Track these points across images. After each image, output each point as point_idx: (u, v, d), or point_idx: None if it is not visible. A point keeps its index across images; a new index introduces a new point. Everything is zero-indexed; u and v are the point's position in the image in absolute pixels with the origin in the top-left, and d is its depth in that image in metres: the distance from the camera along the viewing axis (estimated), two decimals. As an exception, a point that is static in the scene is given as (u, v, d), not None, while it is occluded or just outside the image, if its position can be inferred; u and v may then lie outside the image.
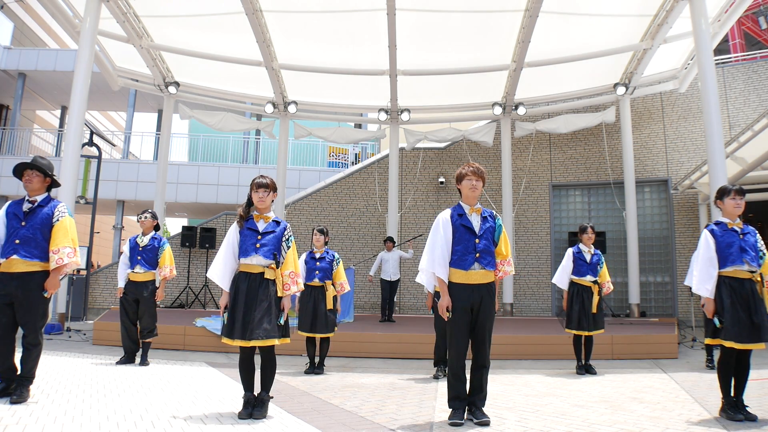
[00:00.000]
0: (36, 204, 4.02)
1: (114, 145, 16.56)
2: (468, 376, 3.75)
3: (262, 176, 3.92)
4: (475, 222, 3.82)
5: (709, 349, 6.30)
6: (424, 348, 7.07)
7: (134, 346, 6.04)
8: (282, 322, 3.77)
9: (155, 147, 18.48)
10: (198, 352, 7.21)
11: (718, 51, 13.64)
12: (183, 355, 6.85)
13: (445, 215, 3.88)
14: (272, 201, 3.96)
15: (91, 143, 11.17)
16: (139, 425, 3.38)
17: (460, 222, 3.82)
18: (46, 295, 3.89)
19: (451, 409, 3.69)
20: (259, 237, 3.82)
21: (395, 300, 11.12)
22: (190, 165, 17.58)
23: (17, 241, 3.86)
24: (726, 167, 7.96)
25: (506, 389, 4.95)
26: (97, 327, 7.93)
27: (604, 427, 3.60)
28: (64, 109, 21.00)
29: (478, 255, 3.75)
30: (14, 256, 3.85)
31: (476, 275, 3.75)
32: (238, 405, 4.09)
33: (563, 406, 4.27)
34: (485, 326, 3.71)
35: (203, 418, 3.62)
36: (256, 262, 3.79)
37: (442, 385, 5.16)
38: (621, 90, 11.15)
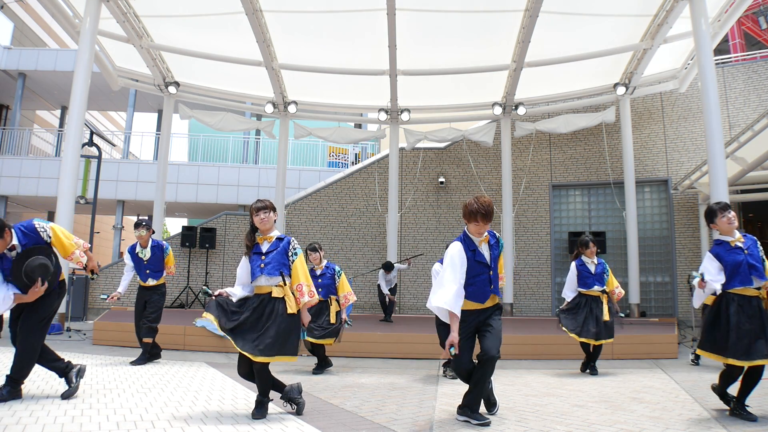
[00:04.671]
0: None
1: (114, 145, 16.58)
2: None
3: (259, 200, 3.97)
4: (486, 254, 3.82)
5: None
6: (424, 348, 7.08)
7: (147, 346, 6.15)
8: (304, 337, 3.82)
9: (155, 147, 18.47)
10: (198, 352, 7.21)
11: (718, 51, 13.64)
12: (183, 355, 6.85)
13: (458, 249, 3.73)
14: (274, 221, 3.98)
15: (91, 143, 11.19)
16: (139, 425, 3.38)
17: (474, 258, 3.77)
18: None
19: None
20: (263, 257, 3.86)
21: (395, 300, 11.14)
22: (190, 165, 17.57)
23: None
24: (726, 167, 7.95)
25: (506, 389, 4.95)
26: (97, 327, 7.94)
27: (604, 427, 3.60)
28: (64, 109, 21.00)
29: (492, 287, 3.80)
30: None
31: (488, 302, 3.81)
32: (238, 405, 4.10)
33: (563, 406, 4.27)
34: (493, 327, 3.72)
35: (203, 418, 3.62)
36: (263, 282, 3.83)
37: (442, 385, 5.17)
38: (621, 90, 11.14)
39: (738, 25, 17.69)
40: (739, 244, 3.98)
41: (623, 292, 6.22)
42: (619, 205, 11.97)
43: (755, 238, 4.08)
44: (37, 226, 3.98)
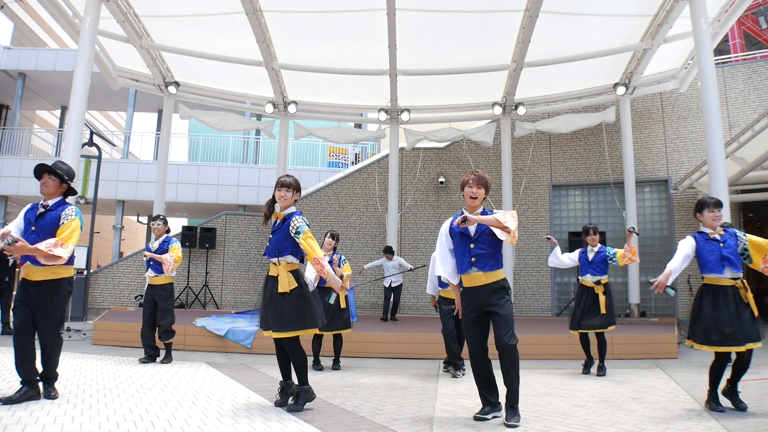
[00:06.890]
0: (48, 208, 4.00)
1: (114, 145, 16.55)
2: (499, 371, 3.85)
3: (287, 175, 4.01)
4: (472, 227, 3.86)
5: None
6: (424, 348, 7.08)
7: (149, 348, 6.15)
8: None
9: (155, 147, 18.48)
10: (198, 352, 7.21)
11: (718, 51, 13.64)
12: (183, 355, 6.85)
13: (444, 226, 4.00)
14: (295, 201, 4.00)
15: (91, 143, 11.17)
16: (139, 425, 3.38)
17: (458, 230, 3.87)
18: (6, 246, 3.58)
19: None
20: (270, 236, 4.01)
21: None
22: (190, 165, 17.56)
23: None
24: (726, 167, 7.93)
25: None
26: (97, 327, 7.94)
27: (604, 427, 3.61)
28: (64, 109, 20.99)
29: (473, 259, 3.79)
30: (27, 262, 3.91)
31: (477, 277, 3.81)
32: (238, 405, 4.10)
33: (563, 406, 4.27)
34: (499, 314, 3.79)
35: (203, 418, 3.62)
36: (270, 260, 3.99)
37: (442, 385, 5.17)
38: (621, 90, 11.13)
39: (738, 25, 17.70)
40: (717, 237, 4.18)
41: (634, 256, 5.87)
42: (619, 205, 11.97)
43: (736, 231, 4.20)
44: (71, 208, 4.02)
